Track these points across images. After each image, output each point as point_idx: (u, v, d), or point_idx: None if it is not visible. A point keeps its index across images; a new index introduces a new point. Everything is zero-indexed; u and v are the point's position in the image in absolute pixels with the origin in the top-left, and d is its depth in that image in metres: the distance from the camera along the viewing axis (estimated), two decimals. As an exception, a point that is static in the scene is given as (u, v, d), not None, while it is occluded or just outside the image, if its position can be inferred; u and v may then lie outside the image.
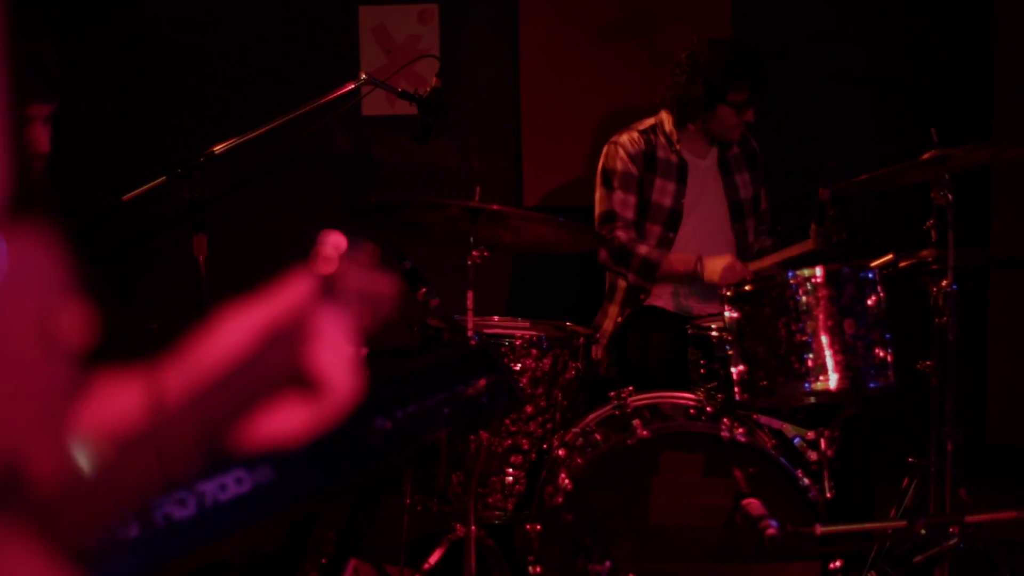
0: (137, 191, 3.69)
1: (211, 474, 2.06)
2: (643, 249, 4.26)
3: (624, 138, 4.37)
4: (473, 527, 3.21)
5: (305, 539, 3.16)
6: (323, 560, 3.33)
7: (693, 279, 4.24)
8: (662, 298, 4.37)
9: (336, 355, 1.21)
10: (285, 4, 5.09)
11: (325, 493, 2.51)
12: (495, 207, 3.42)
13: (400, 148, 5.03)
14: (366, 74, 4.03)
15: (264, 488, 2.20)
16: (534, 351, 3.63)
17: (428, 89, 4.01)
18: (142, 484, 0.97)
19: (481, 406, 3.01)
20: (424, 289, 3.52)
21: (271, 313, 1.23)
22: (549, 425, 3.64)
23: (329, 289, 1.29)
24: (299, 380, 1.21)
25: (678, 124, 4.36)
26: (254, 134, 3.82)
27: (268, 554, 3.11)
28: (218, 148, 3.74)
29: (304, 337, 1.21)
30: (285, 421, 1.22)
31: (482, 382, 2.86)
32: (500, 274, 5.13)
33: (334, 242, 1.29)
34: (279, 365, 1.19)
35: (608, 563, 3.28)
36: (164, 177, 3.69)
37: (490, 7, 5.16)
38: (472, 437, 3.21)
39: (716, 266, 4.13)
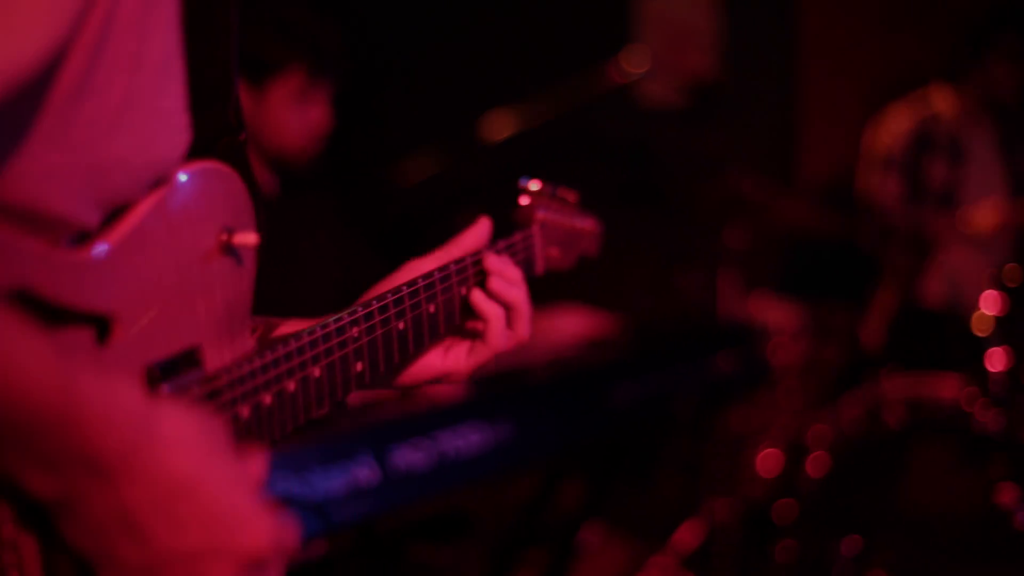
0: (420, 177, 3.86)
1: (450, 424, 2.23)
2: (902, 235, 4.17)
3: (892, 114, 4.26)
4: (727, 501, 3.29)
5: (549, 497, 3.29)
6: (561, 520, 3.44)
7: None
8: (933, 294, 4.26)
9: (511, 293, 1.35)
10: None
11: (565, 453, 2.65)
12: (759, 192, 3.50)
13: (676, 135, 5.10)
14: (645, 62, 4.11)
15: (503, 443, 2.36)
16: (792, 332, 3.68)
17: (706, 77, 4.06)
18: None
19: (730, 381, 3.10)
20: (684, 268, 3.64)
21: (449, 254, 1.36)
22: (806, 405, 3.69)
23: (527, 224, 1.44)
24: (468, 315, 1.34)
25: (953, 90, 4.20)
26: (533, 121, 3.93)
27: (512, 508, 3.25)
28: (496, 134, 3.91)
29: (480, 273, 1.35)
30: (452, 355, 1.35)
31: (732, 358, 2.96)
32: (766, 255, 5.14)
33: (531, 184, 1.46)
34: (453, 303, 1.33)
35: (861, 545, 3.31)
36: (444, 164, 3.86)
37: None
38: (722, 412, 3.31)
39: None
